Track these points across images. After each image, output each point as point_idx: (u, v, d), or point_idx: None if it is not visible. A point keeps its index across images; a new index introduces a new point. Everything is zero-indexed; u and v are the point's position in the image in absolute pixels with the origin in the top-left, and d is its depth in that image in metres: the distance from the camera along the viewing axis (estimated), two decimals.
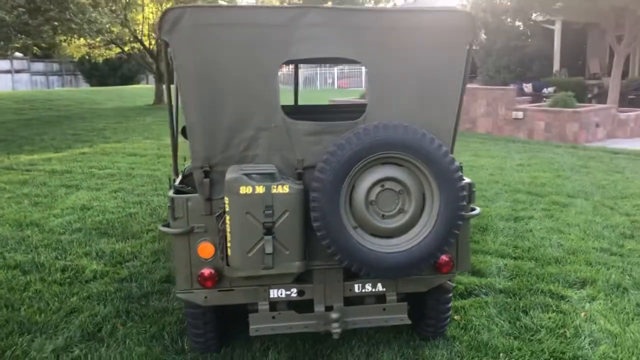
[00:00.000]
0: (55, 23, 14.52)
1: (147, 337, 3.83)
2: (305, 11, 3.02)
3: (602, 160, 10.61)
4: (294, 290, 3.28)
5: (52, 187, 8.29)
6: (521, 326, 3.96)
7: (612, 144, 12.75)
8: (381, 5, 35.87)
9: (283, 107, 3.13)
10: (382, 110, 3.13)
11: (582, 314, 4.13)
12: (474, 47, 3.31)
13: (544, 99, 16.00)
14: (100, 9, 15.76)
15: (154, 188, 8.26)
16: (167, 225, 3.20)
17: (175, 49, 2.96)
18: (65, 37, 17.58)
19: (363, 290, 3.36)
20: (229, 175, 2.91)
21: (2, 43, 14.93)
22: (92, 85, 34.48)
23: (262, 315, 3.26)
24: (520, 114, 14.16)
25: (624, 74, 16.60)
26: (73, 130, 14.93)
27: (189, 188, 3.33)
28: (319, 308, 3.31)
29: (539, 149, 12.02)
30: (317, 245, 3.07)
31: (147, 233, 6.06)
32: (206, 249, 3.16)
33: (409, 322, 3.37)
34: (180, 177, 3.57)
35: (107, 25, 16.46)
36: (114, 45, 21.88)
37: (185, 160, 4.16)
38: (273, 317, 3.27)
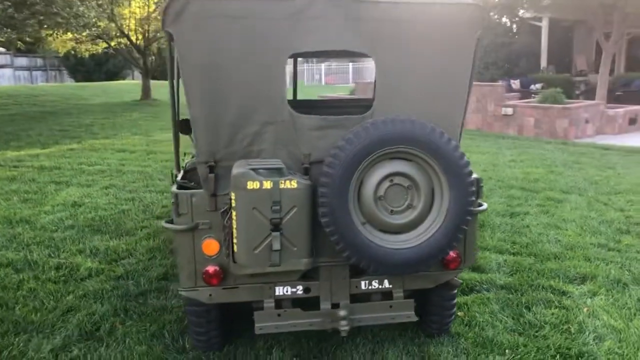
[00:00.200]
0: (41, 17, 14.25)
1: (147, 335, 3.75)
2: (312, 2, 2.94)
3: (593, 156, 10.66)
4: (300, 287, 3.23)
5: (41, 184, 8.14)
6: (525, 322, 3.94)
7: (601, 140, 12.81)
8: None
9: None
10: (391, 104, 3.08)
11: (585, 310, 4.12)
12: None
13: (533, 95, 16.07)
14: (87, 2, 15.48)
15: (145, 184, 8.15)
16: (171, 222, 3.12)
17: (178, 40, 2.88)
18: (51, 32, 17.29)
19: (370, 287, 3.31)
20: (235, 170, 2.83)
21: None
22: (77, 80, 33.93)
23: (267, 313, 3.20)
24: (509, 110, 14.20)
25: (611, 71, 16.72)
26: (60, 126, 14.70)
27: (192, 184, 3.26)
28: (325, 305, 3.25)
29: (529, 145, 12.05)
30: (324, 241, 3.01)
31: (141, 230, 5.96)
32: (211, 246, 3.09)
33: (415, 319, 3.34)
34: (182, 172, 3.49)
35: (94, 20, 16.18)
36: (100, 40, 21.57)
37: (185, 156, 4.08)
38: (278, 315, 3.21)
